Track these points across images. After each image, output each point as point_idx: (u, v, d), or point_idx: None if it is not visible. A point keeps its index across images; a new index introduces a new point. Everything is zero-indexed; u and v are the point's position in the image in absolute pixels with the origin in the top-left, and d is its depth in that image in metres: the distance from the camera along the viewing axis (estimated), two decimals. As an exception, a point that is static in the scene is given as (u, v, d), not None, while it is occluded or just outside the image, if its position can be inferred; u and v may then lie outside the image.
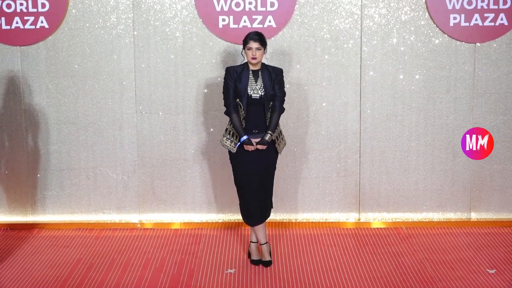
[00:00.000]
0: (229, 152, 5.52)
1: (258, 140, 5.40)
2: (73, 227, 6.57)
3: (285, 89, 5.58)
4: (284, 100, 5.49)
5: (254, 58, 5.34)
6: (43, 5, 6.34)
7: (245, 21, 6.31)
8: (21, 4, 6.35)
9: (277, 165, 5.70)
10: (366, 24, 6.32)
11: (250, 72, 5.42)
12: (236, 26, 6.32)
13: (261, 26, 6.30)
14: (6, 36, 6.41)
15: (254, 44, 5.32)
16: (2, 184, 6.60)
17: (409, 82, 6.40)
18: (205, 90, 6.44)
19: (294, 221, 6.60)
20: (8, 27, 6.39)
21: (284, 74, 5.58)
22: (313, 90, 6.41)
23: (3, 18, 6.38)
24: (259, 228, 5.60)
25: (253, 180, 5.46)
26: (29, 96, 6.48)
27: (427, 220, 6.58)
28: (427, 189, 6.57)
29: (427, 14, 6.29)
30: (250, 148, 5.38)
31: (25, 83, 6.45)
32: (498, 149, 6.50)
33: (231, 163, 5.58)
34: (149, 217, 6.65)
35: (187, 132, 6.51)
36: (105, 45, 6.39)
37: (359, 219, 6.60)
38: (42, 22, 6.36)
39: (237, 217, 6.50)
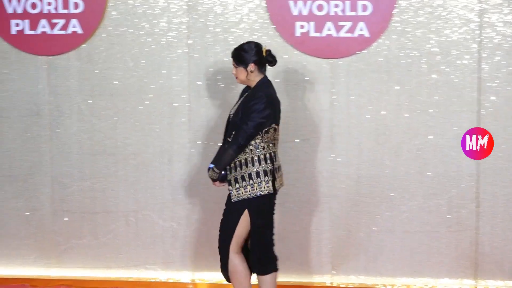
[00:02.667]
0: None
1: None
2: (108, 285, 6.06)
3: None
4: (246, 134, 4.77)
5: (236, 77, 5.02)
6: (76, 5, 5.94)
7: (329, 29, 5.78)
8: (49, 4, 5.94)
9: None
10: (486, 35, 5.70)
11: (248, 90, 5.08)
12: (318, 34, 5.80)
13: (350, 35, 5.78)
14: (30, 43, 6.04)
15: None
16: (22, 228, 6.22)
17: (543, 110, 5.75)
18: (278, 115, 5.88)
19: (390, 287, 5.88)
20: (33, 32, 6.04)
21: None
22: (416, 118, 5.80)
23: (26, 21, 6.01)
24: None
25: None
26: (57, 118, 6.11)
27: None
28: None
29: None
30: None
31: (52, 103, 6.08)
32: None
33: None
34: (205, 276, 6.08)
35: (253, 168, 5.97)
36: (152, 57, 5.99)
37: (475, 288, 5.97)
38: (74, 26, 5.98)
39: (315, 279, 5.82)
